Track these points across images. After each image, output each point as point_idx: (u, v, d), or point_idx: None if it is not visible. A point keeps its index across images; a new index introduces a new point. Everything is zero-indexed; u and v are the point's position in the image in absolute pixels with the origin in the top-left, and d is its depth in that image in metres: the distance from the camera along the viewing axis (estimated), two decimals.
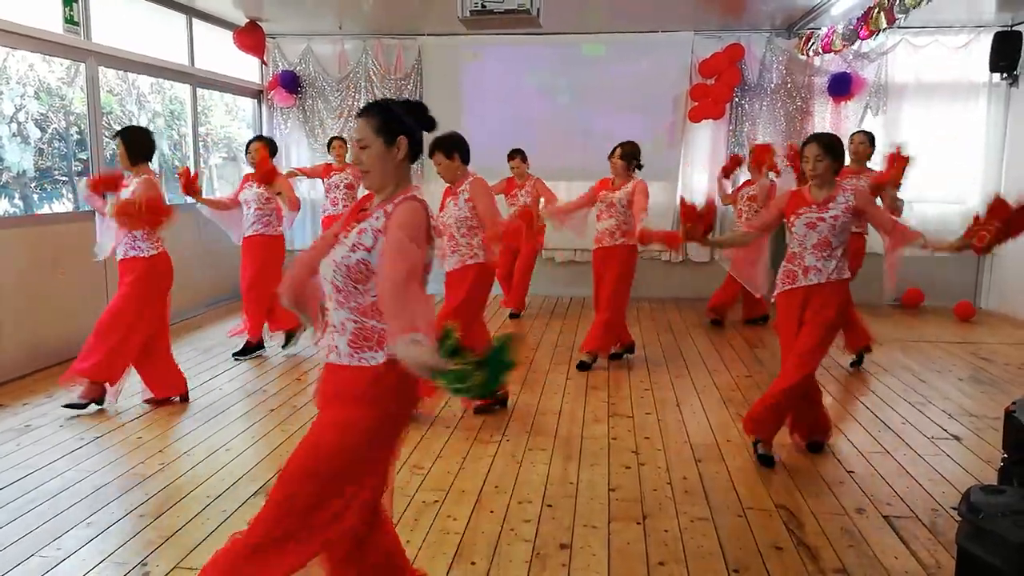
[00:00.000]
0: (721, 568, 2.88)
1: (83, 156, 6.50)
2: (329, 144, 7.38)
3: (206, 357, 5.92)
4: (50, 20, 5.74)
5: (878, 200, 5.14)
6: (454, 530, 3.14)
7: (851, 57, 8.06)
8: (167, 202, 4.72)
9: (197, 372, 5.44)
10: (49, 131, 6.61)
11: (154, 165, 7.83)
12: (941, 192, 8.09)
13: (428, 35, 8.61)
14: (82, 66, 6.10)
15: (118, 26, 6.49)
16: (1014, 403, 2.93)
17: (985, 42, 7.82)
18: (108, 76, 6.80)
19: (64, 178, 6.76)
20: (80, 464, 3.81)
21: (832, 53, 7.57)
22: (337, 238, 2.16)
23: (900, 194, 5.47)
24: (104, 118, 6.43)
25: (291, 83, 8.73)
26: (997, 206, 3.37)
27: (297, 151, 8.99)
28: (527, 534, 3.12)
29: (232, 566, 2.09)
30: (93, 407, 4.58)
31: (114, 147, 4.57)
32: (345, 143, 7.23)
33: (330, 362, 2.13)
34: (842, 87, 8.11)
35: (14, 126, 6.21)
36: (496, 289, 5.61)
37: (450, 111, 8.48)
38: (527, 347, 6.38)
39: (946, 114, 8.14)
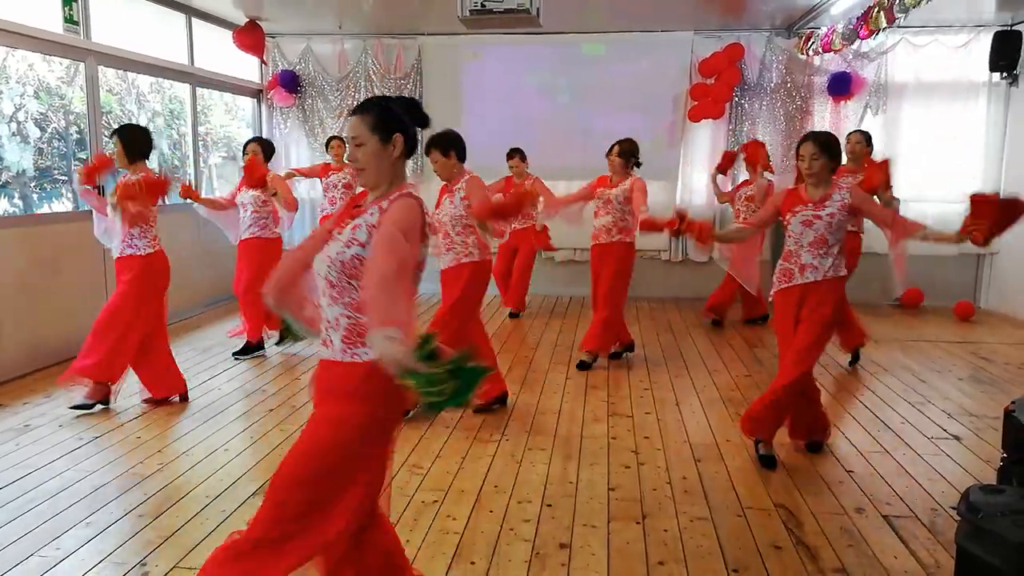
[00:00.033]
0: (720, 568, 2.88)
1: (83, 156, 6.50)
2: (327, 144, 7.38)
3: (205, 357, 5.92)
4: (50, 19, 5.74)
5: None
6: (453, 530, 3.14)
7: (851, 56, 8.06)
8: (164, 201, 4.72)
9: (196, 372, 5.44)
10: (49, 130, 6.60)
11: (153, 164, 7.84)
12: (941, 191, 8.08)
13: (428, 35, 8.60)
14: (82, 65, 6.10)
15: (118, 26, 6.49)
16: (1014, 403, 2.93)
17: (985, 41, 7.82)
18: (108, 75, 6.80)
19: (64, 178, 6.75)
20: (79, 464, 3.81)
21: (832, 52, 7.58)
22: (331, 234, 2.15)
23: (896, 193, 5.49)
24: (104, 117, 6.43)
25: (291, 83, 8.73)
26: (978, 207, 3.41)
27: (297, 151, 8.99)
28: (527, 534, 3.11)
29: (231, 565, 2.09)
30: (98, 407, 4.58)
31: (113, 146, 4.57)
32: (343, 143, 7.22)
33: (324, 358, 2.13)
34: (842, 87, 8.11)
35: (14, 125, 6.21)
36: (492, 289, 5.60)
37: (450, 111, 8.48)
38: (527, 347, 6.39)
39: (946, 113, 8.14)
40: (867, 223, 5.24)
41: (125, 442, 4.14)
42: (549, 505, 3.39)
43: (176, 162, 8.15)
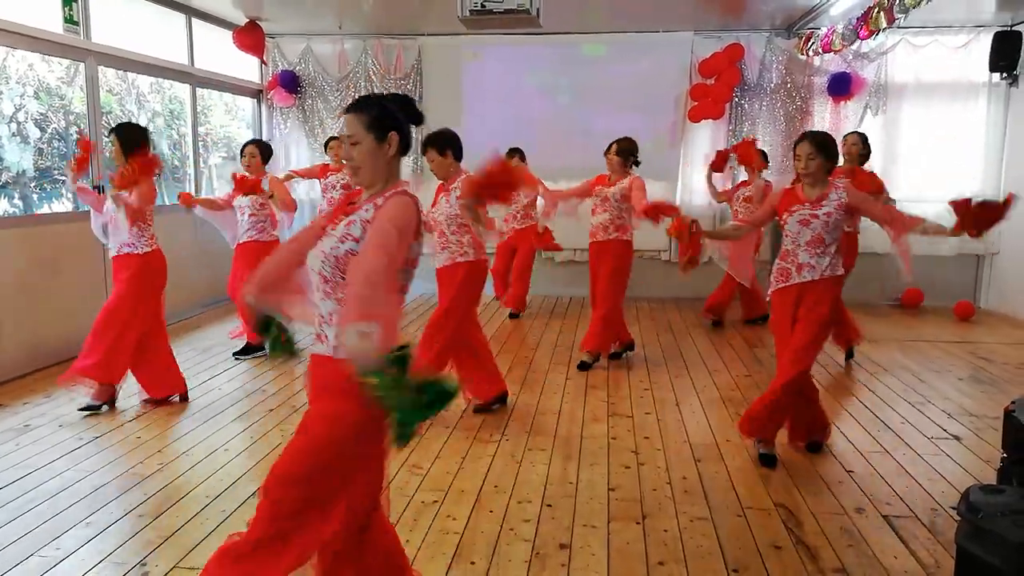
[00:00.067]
0: (720, 568, 2.88)
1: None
2: (326, 144, 7.38)
3: (205, 357, 5.92)
4: (50, 20, 5.74)
5: None
6: (453, 530, 3.14)
7: (851, 57, 8.06)
8: (164, 201, 4.72)
9: (196, 372, 5.44)
10: (49, 131, 6.60)
11: None
12: (941, 192, 8.00)
13: (428, 35, 8.61)
14: (82, 66, 6.10)
15: (118, 26, 6.49)
16: (1013, 403, 2.93)
17: (985, 42, 7.82)
18: (108, 76, 6.80)
19: (63, 178, 6.75)
20: (79, 464, 3.81)
21: (832, 53, 7.58)
22: (324, 230, 2.16)
23: (896, 194, 5.51)
24: (104, 118, 6.43)
25: (291, 83, 8.73)
26: (963, 215, 3.56)
27: (296, 151, 8.99)
28: (527, 534, 3.12)
29: (231, 566, 2.09)
30: (104, 408, 4.60)
31: (111, 145, 4.56)
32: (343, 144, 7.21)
33: (317, 353, 2.12)
34: (842, 87, 8.11)
35: (13, 126, 6.20)
36: (489, 289, 5.60)
37: (450, 111, 8.47)
38: (527, 347, 6.39)
39: (946, 114, 8.14)
40: (864, 223, 5.27)
41: (125, 442, 4.14)
42: (549, 505, 3.39)
43: (176, 162, 8.15)
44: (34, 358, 5.45)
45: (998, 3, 7.19)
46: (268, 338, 2.27)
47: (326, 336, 2.09)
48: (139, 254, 4.52)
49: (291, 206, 5.77)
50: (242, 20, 8.09)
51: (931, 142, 8.16)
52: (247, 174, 5.72)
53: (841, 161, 4.96)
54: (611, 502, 3.43)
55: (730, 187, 7.51)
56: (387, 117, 2.14)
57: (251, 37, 8.19)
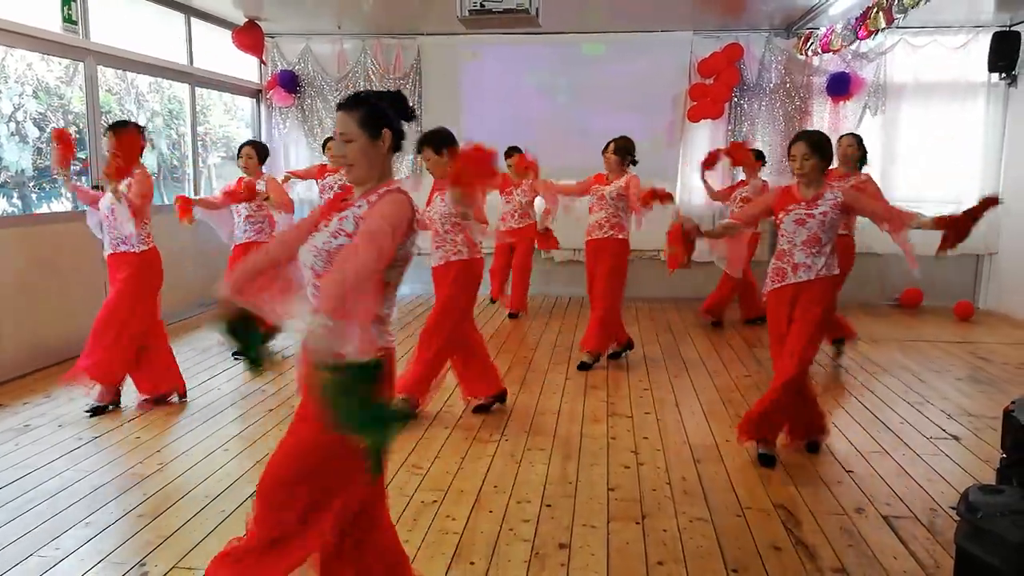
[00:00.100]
0: (720, 568, 2.88)
1: (82, 155, 6.49)
2: (324, 145, 7.37)
3: (204, 357, 5.91)
4: (49, 19, 5.73)
5: None
6: (453, 530, 3.14)
7: (850, 57, 8.06)
8: (162, 201, 4.70)
9: (195, 372, 5.44)
10: (47, 130, 6.59)
11: (152, 164, 7.84)
12: (939, 192, 8.08)
13: (427, 35, 8.61)
14: (81, 65, 6.10)
15: (117, 25, 6.48)
16: (1013, 403, 2.93)
17: (984, 42, 7.83)
18: (107, 75, 6.80)
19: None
20: (79, 464, 3.81)
21: (831, 53, 7.58)
22: (317, 226, 2.16)
23: (894, 194, 5.52)
24: (103, 117, 6.43)
25: (290, 83, 8.72)
26: (949, 233, 3.63)
27: (296, 150, 8.99)
28: (526, 534, 3.11)
29: (232, 568, 2.09)
30: (109, 408, 4.60)
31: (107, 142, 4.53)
32: None
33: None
34: (841, 87, 8.12)
35: (12, 125, 6.20)
36: (485, 290, 5.62)
37: (449, 111, 8.49)
38: (526, 347, 6.39)
39: (945, 114, 8.15)
40: (861, 223, 5.28)
41: (124, 442, 4.14)
42: (548, 505, 3.39)
43: (175, 162, 8.15)
44: (34, 358, 5.45)
45: (997, 3, 7.19)
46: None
47: None
48: (136, 252, 4.50)
49: (288, 207, 5.75)
50: (241, 20, 8.08)
51: (930, 142, 8.17)
52: (245, 175, 5.70)
53: (836, 163, 4.96)
54: (610, 502, 3.43)
55: (727, 186, 7.49)
56: (380, 114, 2.14)
57: (250, 37, 8.19)
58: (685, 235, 3.85)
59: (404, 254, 2.11)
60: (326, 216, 2.17)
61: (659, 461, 3.93)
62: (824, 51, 7.46)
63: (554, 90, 8.65)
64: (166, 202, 7.27)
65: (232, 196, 5.57)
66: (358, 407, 1.70)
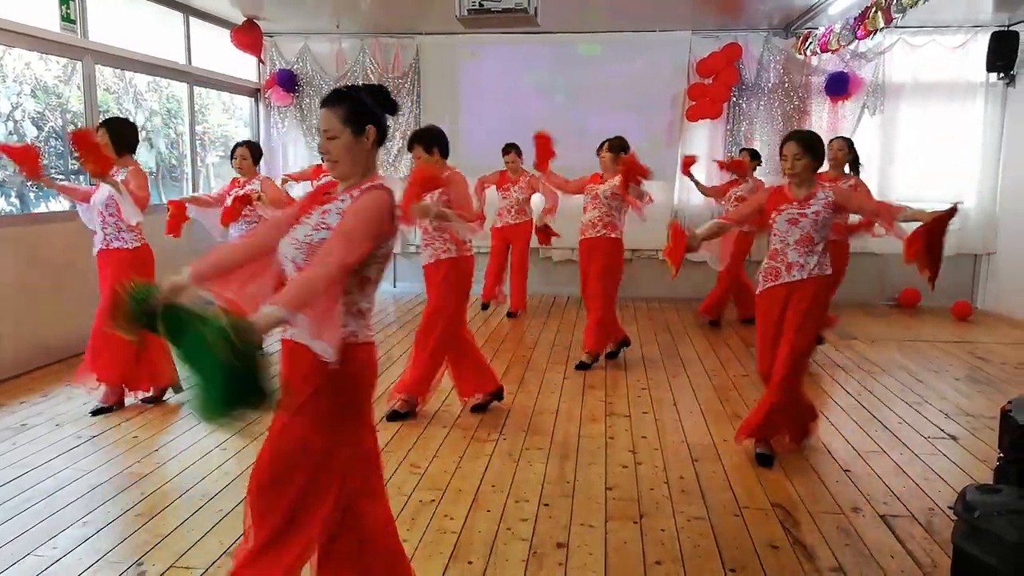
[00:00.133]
0: (717, 567, 2.88)
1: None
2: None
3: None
4: (47, 18, 5.72)
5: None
6: (451, 529, 3.14)
7: (848, 57, 8.06)
8: (160, 200, 4.67)
9: None
10: (46, 129, 6.59)
11: (151, 163, 7.83)
12: (938, 192, 8.07)
13: (426, 34, 8.60)
14: (79, 64, 6.09)
15: (115, 24, 6.47)
16: (1010, 402, 2.94)
17: (982, 42, 7.82)
18: (105, 74, 6.79)
19: (61, 176, 6.74)
20: (76, 463, 3.81)
21: (829, 53, 7.58)
22: (298, 219, 2.15)
23: (893, 194, 5.52)
24: (101, 116, 6.41)
25: (288, 82, 8.72)
26: (916, 253, 3.64)
27: (294, 150, 8.98)
28: (524, 533, 3.12)
29: (238, 571, 2.12)
30: (114, 409, 4.60)
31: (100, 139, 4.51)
32: None
33: (287, 338, 2.11)
34: (839, 87, 8.12)
35: (11, 124, 6.19)
36: (477, 289, 5.60)
37: (448, 110, 8.49)
38: (524, 346, 6.39)
39: (943, 114, 8.15)
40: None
41: (122, 441, 4.13)
42: (546, 504, 3.39)
43: (173, 161, 8.14)
44: (32, 357, 5.45)
45: (995, 3, 7.19)
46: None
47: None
48: (129, 249, 4.48)
49: (282, 206, 5.71)
50: (240, 19, 8.08)
51: (928, 142, 8.17)
52: (240, 176, 5.66)
53: (826, 167, 4.96)
54: (608, 501, 3.43)
55: (721, 184, 7.47)
56: (364, 110, 2.13)
57: (249, 36, 8.18)
58: (683, 237, 3.84)
59: (385, 251, 2.11)
60: (307, 209, 2.16)
61: (657, 460, 3.93)
62: (823, 51, 7.46)
63: (553, 90, 8.64)
64: (163, 201, 7.27)
65: (226, 216, 5.47)
66: (240, 375, 1.67)
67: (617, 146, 5.45)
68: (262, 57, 8.76)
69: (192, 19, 7.65)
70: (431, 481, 3.63)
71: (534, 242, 7.41)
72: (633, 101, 8.38)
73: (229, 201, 5.61)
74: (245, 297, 2.10)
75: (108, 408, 4.55)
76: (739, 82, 8.30)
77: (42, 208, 6.59)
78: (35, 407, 4.66)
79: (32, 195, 6.55)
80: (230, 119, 9.25)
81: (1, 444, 4.05)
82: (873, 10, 6.03)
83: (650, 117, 8.38)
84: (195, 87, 7.80)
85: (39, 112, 6.47)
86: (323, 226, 2.06)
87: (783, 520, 3.27)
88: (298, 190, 8.41)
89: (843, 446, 4.15)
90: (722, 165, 7.31)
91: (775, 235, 3.80)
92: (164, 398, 4.78)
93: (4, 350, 5.22)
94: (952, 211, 3.54)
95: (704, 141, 8.52)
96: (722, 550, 3.00)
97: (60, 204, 6.67)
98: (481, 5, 5.21)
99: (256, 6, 7.69)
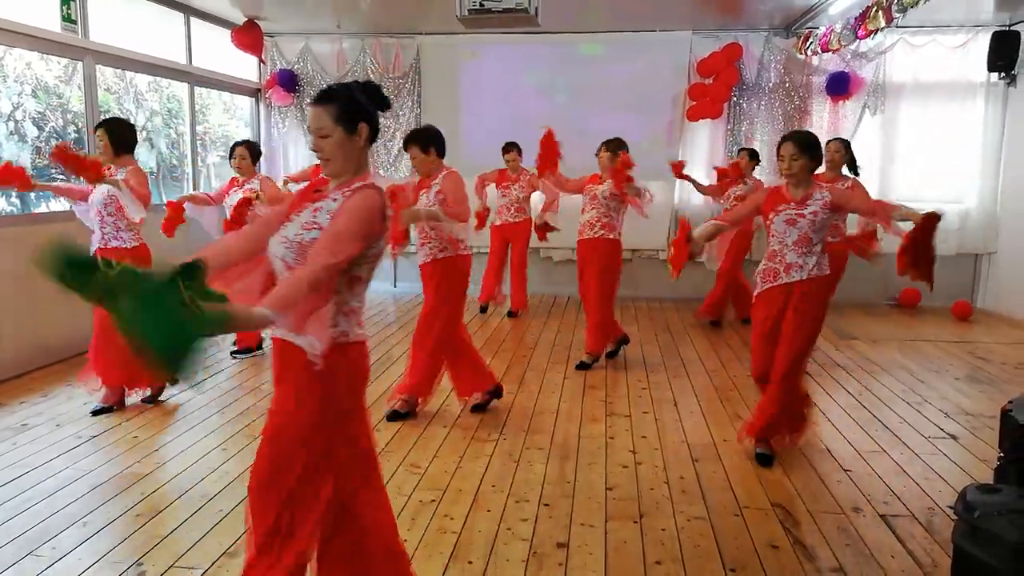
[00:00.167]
0: (718, 567, 2.88)
1: (81, 155, 6.47)
2: None
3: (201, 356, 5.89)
4: (48, 18, 5.73)
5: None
6: (451, 529, 3.14)
7: (849, 56, 8.06)
8: (161, 200, 4.68)
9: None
10: (47, 129, 6.59)
11: (152, 163, 7.82)
12: (938, 192, 8.10)
13: (426, 34, 8.60)
14: (79, 64, 6.09)
15: (116, 24, 6.48)
16: (1011, 402, 2.93)
17: (983, 42, 7.82)
18: (106, 74, 6.79)
19: (61, 177, 6.73)
20: (76, 463, 3.81)
21: (830, 52, 7.58)
22: (288, 217, 2.15)
23: (893, 194, 5.53)
24: (102, 116, 6.42)
25: (289, 82, 8.72)
26: (910, 261, 3.66)
27: (295, 150, 8.98)
28: (524, 533, 3.11)
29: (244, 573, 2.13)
30: (114, 409, 4.61)
31: (98, 140, 4.51)
32: None
33: (277, 336, 2.12)
34: (840, 86, 8.11)
35: (11, 124, 6.20)
36: (476, 289, 5.57)
37: (448, 110, 8.50)
38: (525, 346, 6.39)
39: (944, 114, 8.15)
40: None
41: (122, 441, 4.13)
42: (547, 504, 3.38)
43: (174, 161, 8.14)
44: (32, 357, 5.45)
45: (996, 3, 7.19)
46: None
47: None
48: (127, 248, 4.49)
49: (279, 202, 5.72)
50: (240, 19, 8.08)
51: (929, 142, 8.17)
52: (239, 175, 5.67)
53: (823, 168, 4.95)
54: (608, 501, 3.43)
55: (718, 183, 7.47)
56: (356, 109, 2.12)
57: (249, 36, 8.19)
58: (686, 245, 3.83)
59: (376, 251, 2.11)
60: (298, 207, 2.16)
61: (657, 460, 3.93)
62: (823, 51, 7.46)
63: (553, 90, 8.64)
64: (164, 201, 7.27)
65: (228, 227, 5.47)
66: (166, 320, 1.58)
67: (615, 147, 5.45)
68: (263, 57, 8.77)
69: (193, 19, 7.66)
70: (431, 481, 3.63)
71: (534, 241, 7.42)
72: (633, 101, 8.38)
73: (229, 213, 5.62)
74: (233, 294, 2.10)
75: (108, 408, 4.56)
76: (740, 82, 8.30)
77: (42, 208, 6.59)
78: (35, 407, 4.67)
79: (32, 195, 6.54)
80: (231, 119, 9.25)
81: (1, 444, 4.05)
82: (874, 10, 6.02)
83: (650, 117, 8.38)
84: (196, 87, 7.81)
85: (40, 112, 6.48)
86: (314, 225, 2.06)
87: (783, 520, 3.26)
88: (297, 188, 8.44)
89: (843, 446, 4.15)
90: (721, 172, 7.29)
91: (773, 236, 3.79)
92: (161, 397, 4.78)
93: (4, 350, 5.23)
94: (934, 218, 3.55)
95: (705, 141, 8.52)
96: (722, 550, 3.00)
97: (60, 204, 6.66)
98: (482, 5, 5.21)
99: (257, 6, 7.69)
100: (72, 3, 5.92)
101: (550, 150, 5.53)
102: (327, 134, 2.10)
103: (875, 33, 6.38)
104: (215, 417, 4.53)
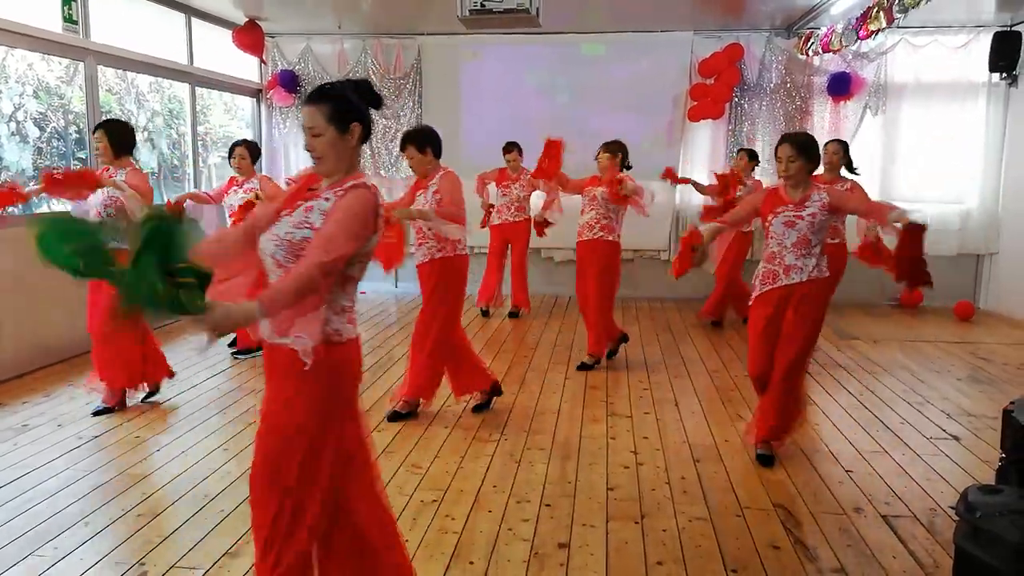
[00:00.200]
0: (719, 568, 2.88)
1: (82, 155, 6.49)
2: None
3: (203, 357, 5.91)
4: (49, 19, 5.73)
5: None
6: (452, 529, 3.14)
7: (850, 57, 8.06)
8: (162, 200, 4.69)
9: (195, 371, 5.44)
10: (48, 130, 6.59)
11: (153, 164, 7.83)
12: (939, 192, 8.11)
13: (427, 34, 8.61)
14: (81, 65, 6.10)
15: (117, 25, 6.48)
16: (1012, 403, 2.93)
17: (984, 42, 7.82)
18: (107, 75, 6.80)
19: (60, 178, 6.74)
20: (78, 463, 3.81)
21: (831, 53, 7.57)
22: (279, 215, 2.15)
23: (893, 194, 5.52)
24: (103, 117, 6.42)
25: (290, 82, 8.72)
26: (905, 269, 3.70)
27: (296, 150, 8.97)
28: (525, 533, 3.11)
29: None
30: (116, 409, 4.60)
31: (96, 141, 4.51)
32: None
33: (264, 339, 2.13)
34: (841, 87, 8.11)
35: (13, 125, 6.20)
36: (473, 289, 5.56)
37: (449, 110, 8.51)
38: (526, 347, 6.39)
39: (945, 114, 8.14)
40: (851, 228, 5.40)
41: (124, 442, 4.14)
42: (548, 505, 3.38)
43: (175, 161, 8.15)
44: (33, 357, 5.45)
45: (998, 3, 7.19)
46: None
47: None
48: (126, 249, 4.47)
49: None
50: (242, 19, 8.09)
51: (930, 142, 8.17)
52: (238, 175, 5.67)
53: (821, 169, 4.95)
54: (610, 502, 3.43)
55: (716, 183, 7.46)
56: (349, 108, 2.12)
57: (250, 36, 8.19)
58: (690, 253, 3.83)
59: (368, 249, 2.11)
60: (290, 205, 2.15)
61: (658, 461, 3.92)
62: (825, 51, 7.45)
63: (554, 90, 8.64)
64: (165, 201, 7.28)
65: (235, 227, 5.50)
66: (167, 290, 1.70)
67: (614, 150, 5.45)
68: (264, 58, 8.78)
69: (194, 20, 7.67)
70: (432, 481, 3.63)
71: (535, 242, 7.42)
72: (634, 101, 8.38)
73: (229, 212, 5.63)
74: (223, 290, 2.08)
75: (109, 409, 4.57)
76: (741, 82, 8.29)
77: (43, 209, 6.59)
78: (37, 407, 4.67)
79: (34, 197, 6.55)
80: (232, 120, 9.25)
81: (3, 444, 4.06)
82: (875, 10, 6.02)
83: (652, 117, 8.39)
84: (197, 88, 7.81)
85: (41, 113, 6.48)
86: (305, 224, 2.06)
87: (785, 520, 3.26)
88: None
89: (845, 446, 4.15)
90: (720, 182, 7.28)
91: (772, 238, 3.79)
92: (161, 397, 4.78)
93: (5, 350, 5.23)
94: (916, 228, 3.56)
95: (706, 141, 8.52)
96: (724, 550, 3.00)
97: (61, 205, 6.67)
98: (483, 5, 5.21)
99: (258, 7, 7.70)
100: (73, 4, 5.93)
101: (554, 160, 5.50)
102: (319, 133, 2.10)
103: (876, 33, 6.37)
104: (216, 418, 4.53)
